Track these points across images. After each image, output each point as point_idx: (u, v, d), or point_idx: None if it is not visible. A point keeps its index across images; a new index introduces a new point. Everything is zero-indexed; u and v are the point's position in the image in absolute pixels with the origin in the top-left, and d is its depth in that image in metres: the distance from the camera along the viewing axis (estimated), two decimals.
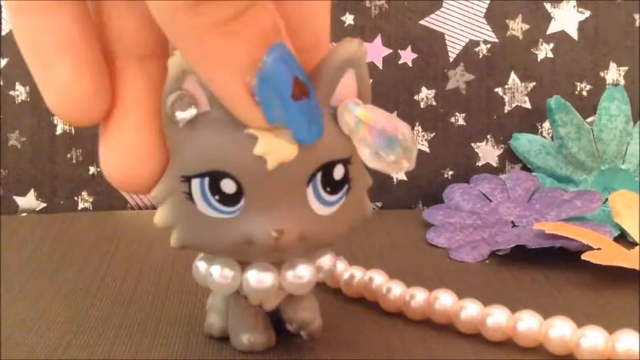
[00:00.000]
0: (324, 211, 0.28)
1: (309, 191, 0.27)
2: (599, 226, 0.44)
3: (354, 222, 0.30)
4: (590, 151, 0.52)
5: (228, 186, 0.27)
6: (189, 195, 0.27)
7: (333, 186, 0.28)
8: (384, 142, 0.26)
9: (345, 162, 0.28)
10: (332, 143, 0.27)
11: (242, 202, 0.27)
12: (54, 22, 0.26)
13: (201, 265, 0.29)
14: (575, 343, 0.30)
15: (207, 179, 0.27)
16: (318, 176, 0.27)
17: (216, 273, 0.29)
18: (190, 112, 0.27)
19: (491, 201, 0.49)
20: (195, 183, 0.27)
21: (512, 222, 0.47)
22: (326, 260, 0.30)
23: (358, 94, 0.28)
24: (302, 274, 0.29)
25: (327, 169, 0.27)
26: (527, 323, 0.31)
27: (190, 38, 0.25)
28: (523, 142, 0.53)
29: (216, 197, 0.27)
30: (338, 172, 0.28)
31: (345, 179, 0.28)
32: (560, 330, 0.31)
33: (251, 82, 0.25)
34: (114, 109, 0.28)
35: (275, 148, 0.26)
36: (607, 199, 0.47)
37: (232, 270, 0.29)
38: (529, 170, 0.52)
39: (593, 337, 0.30)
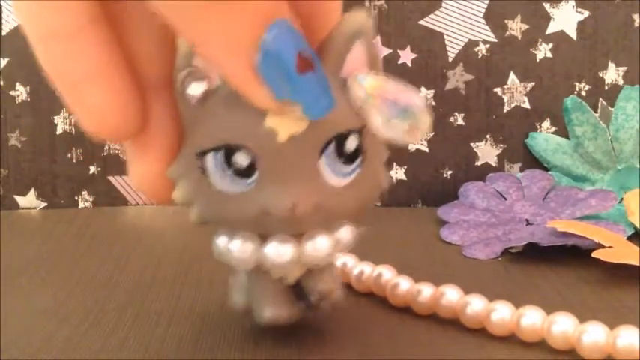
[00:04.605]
0: (339, 182, 0.28)
1: (323, 163, 0.27)
2: (613, 225, 0.45)
3: (371, 193, 0.29)
4: (606, 150, 0.52)
5: (241, 159, 0.27)
6: (205, 170, 0.27)
7: (346, 157, 0.28)
8: (396, 111, 0.26)
9: (358, 133, 0.28)
10: (343, 114, 0.27)
11: (256, 175, 0.27)
12: (80, 49, 0.26)
13: (220, 242, 0.29)
14: (577, 339, 0.31)
15: (220, 153, 0.27)
16: (331, 147, 0.27)
17: (236, 248, 0.28)
18: (200, 88, 0.27)
19: (506, 199, 0.49)
20: (210, 157, 0.27)
21: (527, 220, 0.47)
22: (345, 232, 0.29)
23: (368, 64, 0.28)
24: (321, 245, 0.28)
25: (340, 140, 0.27)
26: (531, 318, 0.31)
27: (189, 18, 0.24)
28: (539, 141, 0.53)
29: (231, 171, 0.27)
30: (351, 143, 0.27)
31: (359, 150, 0.28)
32: (562, 325, 0.31)
33: (254, 60, 0.24)
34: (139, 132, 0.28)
35: (285, 121, 0.26)
36: (622, 199, 0.48)
37: (252, 244, 0.28)
38: (545, 169, 0.53)
39: (594, 333, 0.30)
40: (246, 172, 0.27)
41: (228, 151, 0.27)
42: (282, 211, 0.27)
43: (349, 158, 0.28)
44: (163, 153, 0.28)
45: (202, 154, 0.27)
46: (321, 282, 0.30)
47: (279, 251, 0.28)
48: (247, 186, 0.27)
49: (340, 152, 0.27)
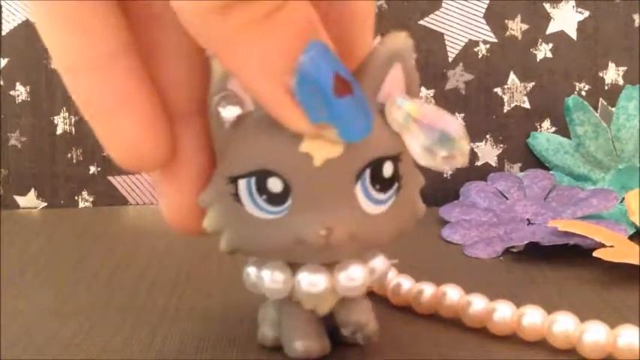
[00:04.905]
0: (374, 209, 0.27)
1: (358, 189, 0.26)
2: (614, 224, 0.45)
3: (406, 222, 0.28)
4: (607, 149, 0.52)
5: (274, 185, 0.26)
6: (237, 196, 0.27)
7: (382, 184, 0.27)
8: (435, 137, 0.25)
9: (395, 159, 0.27)
10: (380, 140, 0.26)
11: (289, 202, 0.26)
12: (110, 79, 0.26)
13: (251, 271, 0.28)
14: (578, 338, 0.31)
15: (253, 179, 0.26)
16: (367, 173, 0.26)
17: (267, 277, 0.28)
18: (234, 112, 0.26)
19: (507, 199, 0.49)
20: (242, 183, 0.26)
21: (528, 220, 0.47)
22: (378, 262, 0.28)
23: (406, 89, 0.27)
24: (355, 275, 0.28)
25: (376, 166, 0.26)
26: (532, 318, 0.31)
27: (222, 43, 0.24)
28: (541, 140, 0.53)
29: (264, 197, 0.26)
30: (387, 170, 0.27)
31: (395, 177, 0.27)
32: (563, 325, 0.31)
33: (290, 83, 0.24)
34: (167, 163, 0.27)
35: (321, 145, 0.25)
36: (624, 198, 0.48)
37: (283, 274, 0.28)
38: (546, 168, 0.53)
39: (595, 332, 0.30)
40: (279, 199, 0.26)
41: (262, 177, 0.26)
42: (317, 238, 0.26)
43: (385, 185, 0.27)
44: (193, 181, 0.27)
45: (235, 179, 0.27)
46: (355, 313, 0.29)
47: (312, 281, 0.27)
48: (281, 213, 0.26)
49: (376, 179, 0.27)
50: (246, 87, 0.25)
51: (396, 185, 0.27)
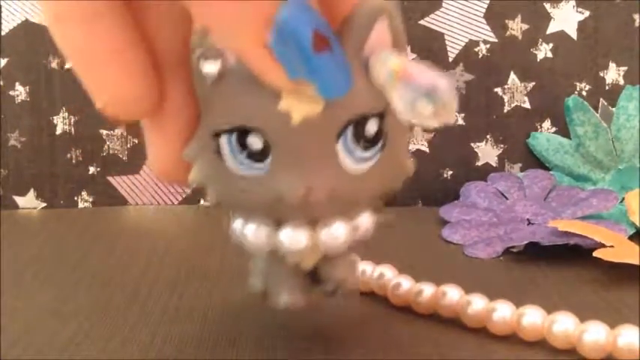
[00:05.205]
0: (357, 167, 0.27)
1: (340, 147, 0.26)
2: (614, 224, 0.45)
3: (392, 180, 0.28)
4: (607, 149, 0.52)
5: (254, 142, 0.26)
6: (219, 152, 0.27)
7: (365, 141, 0.26)
8: (420, 94, 0.24)
9: (379, 116, 0.26)
10: (363, 97, 0.26)
11: (270, 159, 0.26)
12: (97, 31, 0.26)
13: (237, 226, 0.28)
14: (578, 338, 0.31)
15: (234, 135, 0.26)
16: (349, 131, 0.26)
17: (250, 232, 0.28)
18: (215, 67, 0.26)
19: (507, 199, 0.49)
20: (224, 139, 0.26)
21: (528, 220, 0.47)
22: (363, 219, 0.28)
23: (393, 44, 0.26)
24: (337, 233, 0.27)
25: (359, 123, 0.26)
26: (532, 318, 0.31)
27: (202, 1, 0.24)
28: (541, 140, 0.53)
29: (245, 154, 0.26)
30: (370, 127, 0.26)
31: (379, 134, 0.27)
32: (563, 325, 0.31)
33: (268, 37, 0.23)
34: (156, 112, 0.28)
35: (300, 103, 0.25)
36: (624, 198, 0.48)
37: (266, 229, 0.28)
38: (546, 169, 0.53)
39: (595, 332, 0.30)
40: (259, 156, 0.26)
41: (242, 133, 0.26)
42: (296, 198, 0.26)
43: (369, 142, 0.27)
44: (179, 133, 0.28)
45: (216, 135, 0.27)
46: (337, 270, 0.29)
47: (293, 238, 0.27)
48: (261, 170, 0.26)
49: (359, 136, 0.26)
50: (226, 45, 0.25)
51: (380, 142, 0.27)
